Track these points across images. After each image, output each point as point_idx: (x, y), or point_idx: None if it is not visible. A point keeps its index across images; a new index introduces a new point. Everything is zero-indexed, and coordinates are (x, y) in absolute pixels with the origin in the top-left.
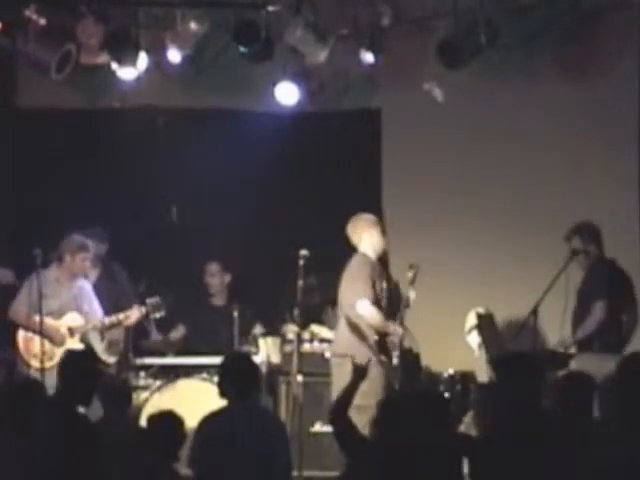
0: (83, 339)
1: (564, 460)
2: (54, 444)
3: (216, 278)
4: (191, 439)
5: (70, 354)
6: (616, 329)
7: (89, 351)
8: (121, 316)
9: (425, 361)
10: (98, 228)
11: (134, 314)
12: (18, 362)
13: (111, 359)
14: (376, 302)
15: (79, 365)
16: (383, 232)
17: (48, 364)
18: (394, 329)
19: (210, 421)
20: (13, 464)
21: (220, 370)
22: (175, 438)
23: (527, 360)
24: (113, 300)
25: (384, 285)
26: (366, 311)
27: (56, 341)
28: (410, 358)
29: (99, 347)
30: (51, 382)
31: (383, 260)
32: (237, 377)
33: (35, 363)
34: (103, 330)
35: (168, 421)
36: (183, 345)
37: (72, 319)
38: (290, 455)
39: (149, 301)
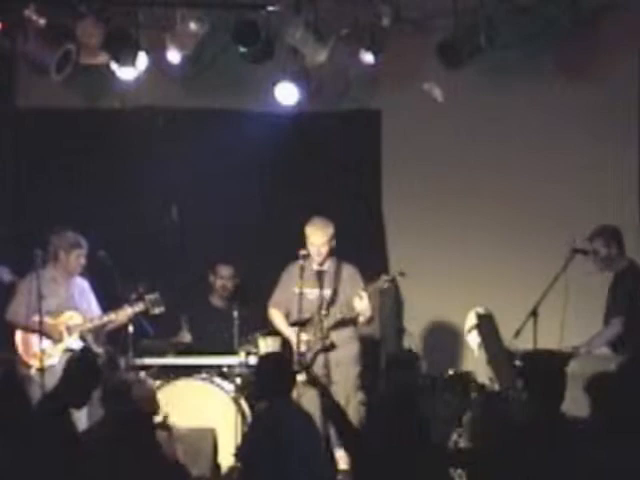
0: (82, 337)
1: (580, 460)
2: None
3: (230, 282)
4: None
5: (76, 357)
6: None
7: (92, 356)
8: (120, 313)
9: (425, 361)
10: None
11: (132, 310)
12: (17, 362)
13: (99, 349)
14: (287, 306)
15: (82, 369)
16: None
17: (47, 363)
18: (293, 335)
19: (262, 419)
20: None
21: (259, 371)
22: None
23: (555, 360)
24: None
25: (306, 290)
26: (270, 317)
27: (55, 339)
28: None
29: (89, 340)
30: (51, 381)
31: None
32: (277, 377)
33: (34, 362)
34: (102, 328)
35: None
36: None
37: (70, 317)
38: (322, 453)
39: (148, 297)
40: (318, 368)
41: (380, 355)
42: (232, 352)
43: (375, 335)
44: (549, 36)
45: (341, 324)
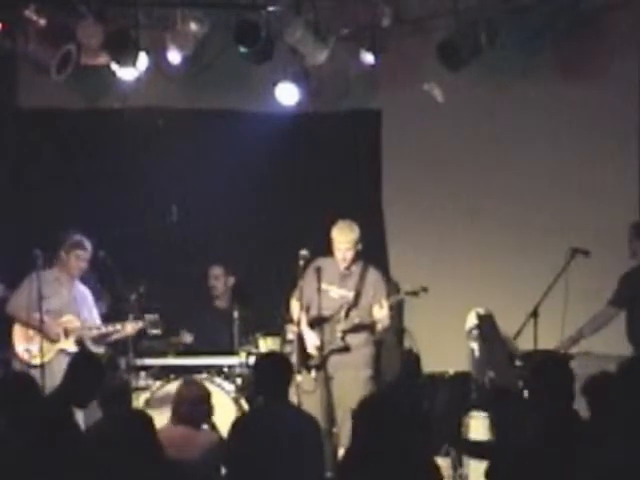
0: (78, 341)
1: (594, 461)
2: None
3: (220, 281)
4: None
5: (80, 356)
6: None
7: (98, 357)
8: (117, 326)
9: (425, 361)
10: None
11: (130, 327)
12: (13, 360)
13: (100, 349)
14: (308, 301)
15: (86, 368)
16: (336, 241)
17: (39, 361)
18: (308, 336)
19: (250, 420)
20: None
21: (256, 370)
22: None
23: (561, 362)
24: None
25: (323, 287)
26: (290, 309)
27: (52, 339)
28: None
29: (88, 342)
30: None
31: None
32: (274, 376)
33: (27, 358)
34: (99, 337)
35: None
36: (185, 346)
37: (69, 321)
38: (323, 456)
39: (148, 317)
40: (328, 368)
41: (381, 356)
42: (232, 352)
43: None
44: (549, 36)
45: (358, 328)
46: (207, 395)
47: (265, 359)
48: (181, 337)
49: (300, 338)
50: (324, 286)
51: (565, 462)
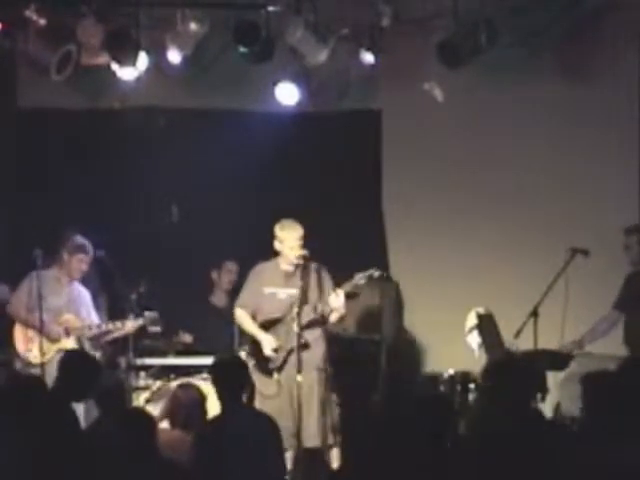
0: (78, 341)
1: (559, 460)
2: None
3: (236, 276)
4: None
5: (72, 353)
6: None
7: (90, 354)
8: (118, 324)
9: (425, 361)
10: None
11: (130, 325)
12: (15, 361)
13: (97, 353)
14: (255, 307)
15: (79, 363)
16: (292, 239)
17: (40, 360)
18: (263, 338)
19: (210, 425)
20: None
21: (211, 374)
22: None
23: (522, 362)
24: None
25: (270, 290)
26: (237, 318)
27: (52, 338)
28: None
29: (86, 344)
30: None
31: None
32: (229, 380)
33: (28, 357)
34: (99, 335)
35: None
36: (184, 346)
37: (69, 320)
38: (283, 459)
39: (147, 314)
40: (290, 368)
41: (380, 355)
42: (232, 352)
43: (375, 335)
44: (549, 36)
45: (312, 324)
46: (203, 398)
47: (220, 363)
48: (181, 337)
49: (255, 343)
50: (270, 289)
51: (516, 460)
